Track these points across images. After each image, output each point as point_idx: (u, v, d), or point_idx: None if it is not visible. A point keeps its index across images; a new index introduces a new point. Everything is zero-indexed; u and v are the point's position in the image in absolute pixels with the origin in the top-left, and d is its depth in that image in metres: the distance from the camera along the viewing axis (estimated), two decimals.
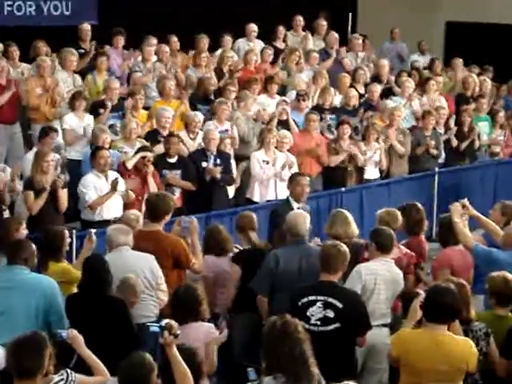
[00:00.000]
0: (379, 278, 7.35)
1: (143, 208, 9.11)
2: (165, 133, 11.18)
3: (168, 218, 8.34)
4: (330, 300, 6.72)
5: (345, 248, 7.02)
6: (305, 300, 6.77)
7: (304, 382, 5.42)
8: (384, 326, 7.32)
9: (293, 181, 9.70)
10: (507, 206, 8.70)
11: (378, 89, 13.60)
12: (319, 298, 6.74)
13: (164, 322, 5.81)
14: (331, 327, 6.70)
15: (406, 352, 6.12)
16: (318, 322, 6.70)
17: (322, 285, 6.87)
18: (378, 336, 7.07)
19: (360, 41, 15.48)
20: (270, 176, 11.27)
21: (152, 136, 11.21)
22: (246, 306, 7.89)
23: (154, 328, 5.80)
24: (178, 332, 5.78)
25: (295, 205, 9.44)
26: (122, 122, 11.27)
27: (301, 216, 7.97)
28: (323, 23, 15.63)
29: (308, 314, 6.71)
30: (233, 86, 12.54)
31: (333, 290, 6.80)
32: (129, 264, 7.57)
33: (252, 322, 7.81)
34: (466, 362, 6.08)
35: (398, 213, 8.51)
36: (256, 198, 11.30)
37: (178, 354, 5.71)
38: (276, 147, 11.39)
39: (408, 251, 8.31)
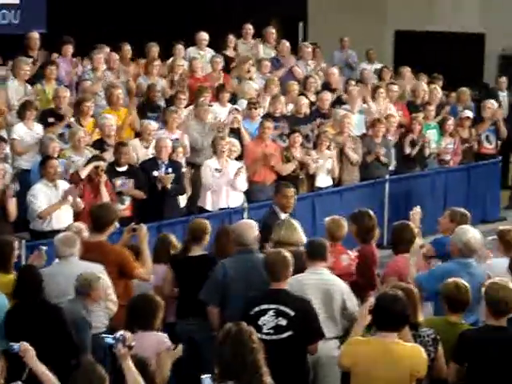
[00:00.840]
0: (307, 289, 7.24)
1: None
2: (110, 141, 11.12)
3: (112, 228, 8.28)
4: (282, 308, 6.71)
5: (288, 254, 7.00)
6: (257, 309, 6.76)
7: None
8: (331, 338, 7.22)
9: (278, 192, 9.70)
10: (456, 213, 8.76)
11: (328, 97, 13.66)
12: (271, 306, 6.73)
13: (118, 333, 5.78)
14: (284, 335, 6.69)
15: (357, 360, 6.12)
16: (271, 331, 6.69)
17: (273, 293, 6.85)
18: (322, 349, 6.99)
19: (310, 49, 15.54)
20: (223, 184, 11.25)
21: (98, 145, 11.15)
22: (190, 312, 7.85)
23: (108, 339, 5.79)
24: (133, 344, 5.75)
25: (282, 215, 9.46)
26: (69, 130, 11.18)
27: (248, 225, 7.92)
28: (273, 31, 15.67)
29: (260, 323, 6.69)
30: (183, 94, 12.53)
31: (284, 298, 6.78)
32: (76, 273, 7.49)
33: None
34: (416, 368, 6.10)
35: (343, 220, 8.51)
36: (208, 207, 11.27)
37: (132, 365, 5.69)
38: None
39: (355, 257, 8.29)
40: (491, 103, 14.47)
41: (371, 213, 8.80)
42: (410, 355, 6.10)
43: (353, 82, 14.67)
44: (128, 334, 5.77)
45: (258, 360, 5.45)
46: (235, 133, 12.25)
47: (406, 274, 7.83)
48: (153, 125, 11.56)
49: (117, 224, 9.27)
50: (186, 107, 12.57)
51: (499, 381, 6.36)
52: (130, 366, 5.67)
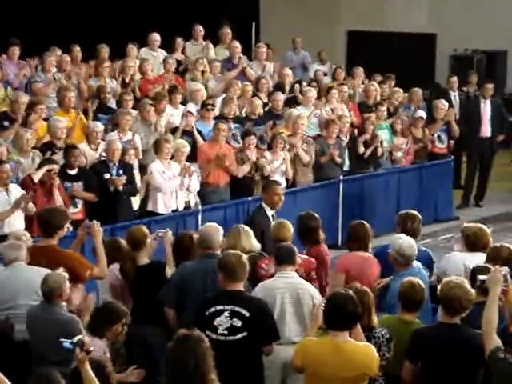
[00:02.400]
0: (277, 293, 7.22)
1: None
2: (59, 144, 11.02)
3: (62, 232, 8.18)
4: (237, 309, 6.68)
5: (244, 255, 7.00)
6: (212, 310, 6.73)
7: None
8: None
9: (268, 189, 9.75)
10: (400, 215, 8.79)
11: (281, 97, 13.66)
12: (226, 307, 6.70)
13: (76, 338, 5.79)
14: (238, 336, 6.66)
15: (309, 360, 6.13)
16: (226, 332, 6.66)
17: (229, 294, 6.82)
18: (291, 353, 6.90)
19: (265, 50, 15.54)
20: (175, 186, 11.19)
21: (48, 147, 11.02)
22: (143, 317, 7.81)
23: (67, 344, 5.78)
24: (91, 348, 5.75)
25: (269, 212, 9.56)
26: (16, 132, 11.02)
27: (214, 229, 7.87)
28: (228, 31, 15.64)
29: (215, 323, 6.66)
30: (128, 95, 12.47)
31: (239, 299, 6.76)
32: (24, 279, 7.42)
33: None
34: (368, 367, 6.12)
35: (288, 223, 8.49)
36: (161, 210, 11.20)
37: (90, 370, 5.69)
38: (173, 157, 11.32)
39: (308, 258, 8.31)
40: (443, 103, 14.58)
41: (314, 214, 8.79)
42: (362, 354, 6.11)
43: (305, 84, 14.70)
44: (86, 339, 5.79)
45: (203, 366, 5.41)
46: (188, 135, 12.18)
47: (354, 271, 7.85)
48: (99, 127, 11.48)
49: (70, 227, 9.22)
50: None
51: (453, 378, 6.39)
52: (87, 371, 5.67)
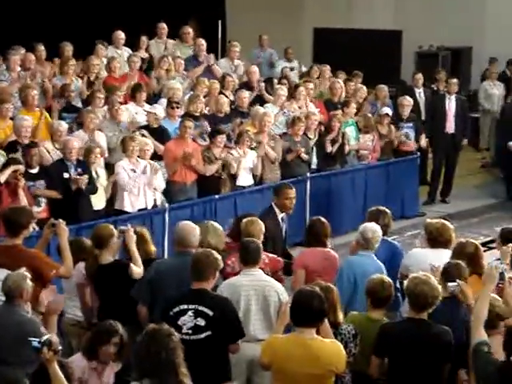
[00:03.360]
0: (242, 290, 7.23)
1: None
2: (24, 143, 10.94)
3: (27, 232, 8.10)
4: (201, 308, 6.67)
5: (215, 255, 6.97)
6: (176, 309, 6.71)
7: None
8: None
9: (280, 193, 9.70)
10: (371, 211, 8.85)
11: (246, 95, 13.65)
12: (190, 306, 6.69)
13: (45, 337, 5.78)
14: (203, 335, 6.65)
15: (276, 358, 6.14)
16: (190, 331, 6.64)
17: (193, 293, 6.81)
18: (257, 350, 6.89)
19: (238, 48, 15.51)
20: (141, 184, 11.14)
21: (12, 146, 10.94)
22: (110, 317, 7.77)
23: (35, 343, 5.76)
24: (59, 348, 5.73)
25: (279, 215, 9.58)
26: None
27: (191, 227, 7.85)
28: (189, 31, 15.61)
29: (179, 323, 6.64)
30: (100, 93, 12.43)
31: (203, 298, 6.74)
32: None
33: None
34: (334, 364, 6.13)
35: (258, 219, 8.51)
36: (128, 208, 11.15)
37: (58, 369, 5.67)
38: (138, 156, 11.28)
39: (275, 258, 8.33)
40: (408, 100, 14.62)
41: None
42: (328, 351, 6.13)
43: (276, 81, 14.71)
44: (54, 338, 5.76)
45: (173, 359, 5.44)
46: (156, 133, 12.15)
47: (313, 267, 7.93)
48: (63, 126, 11.40)
49: (35, 227, 9.15)
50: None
51: (419, 374, 6.42)
52: (56, 371, 5.66)
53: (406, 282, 6.70)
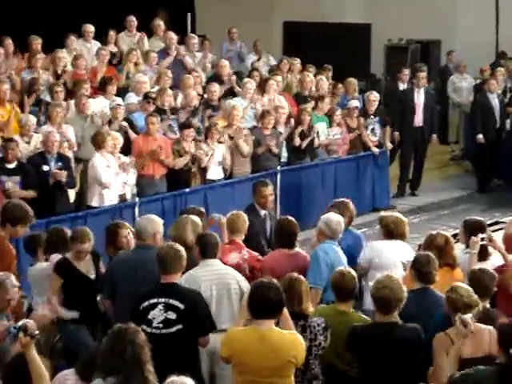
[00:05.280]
0: (203, 281, 7.23)
1: None
2: None
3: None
4: (171, 301, 6.65)
5: (181, 248, 6.95)
6: (146, 304, 6.69)
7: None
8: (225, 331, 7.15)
9: (256, 193, 9.73)
10: (335, 205, 8.86)
11: (216, 88, 13.61)
12: (160, 300, 6.67)
13: (20, 322, 5.72)
14: (174, 329, 6.63)
15: (235, 351, 6.12)
16: (160, 325, 6.62)
17: (163, 287, 6.79)
18: (219, 341, 6.86)
19: (196, 40, 15.46)
20: (114, 180, 11.09)
21: None
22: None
23: (11, 329, 5.73)
24: (36, 332, 5.68)
25: (261, 212, 9.58)
26: None
27: (149, 220, 7.82)
28: (160, 23, 15.54)
29: (149, 317, 6.63)
30: (58, 86, 12.34)
31: (173, 292, 6.72)
32: None
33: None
34: (293, 355, 6.11)
35: (244, 215, 8.52)
36: (99, 203, 11.09)
37: (35, 355, 5.62)
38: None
39: (255, 255, 8.33)
40: (374, 95, 14.63)
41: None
42: (288, 343, 6.11)
43: (245, 75, 14.69)
44: (30, 323, 5.70)
45: (140, 356, 5.40)
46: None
47: (278, 269, 7.74)
48: (32, 120, 11.33)
49: None
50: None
51: (391, 373, 6.43)
52: (32, 355, 5.61)
53: (371, 285, 6.72)
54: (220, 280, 7.32)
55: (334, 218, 8.13)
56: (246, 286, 7.37)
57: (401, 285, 6.60)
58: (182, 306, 6.62)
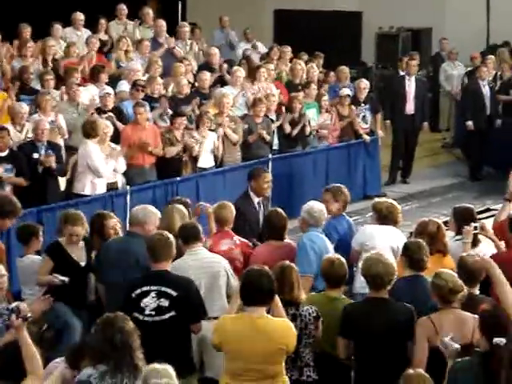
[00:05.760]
0: (190, 269, 7.23)
1: None
2: None
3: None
4: (164, 289, 6.66)
5: (170, 236, 6.97)
6: (138, 291, 6.69)
7: (124, 370, 5.41)
8: (215, 318, 7.11)
9: (258, 177, 9.61)
10: (336, 191, 8.87)
11: (207, 77, 13.58)
12: (152, 287, 6.67)
13: (13, 304, 5.76)
14: (166, 316, 6.63)
15: (227, 338, 6.14)
16: (153, 312, 6.63)
17: (155, 274, 6.81)
18: (209, 329, 6.87)
19: (187, 28, 15.43)
20: (109, 169, 11.08)
21: None
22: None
23: (3, 311, 5.76)
24: (29, 315, 5.70)
25: (255, 199, 9.52)
26: None
27: (145, 209, 7.86)
28: (150, 12, 15.50)
29: (142, 305, 6.63)
30: (48, 74, 12.30)
31: (166, 279, 6.74)
32: None
33: None
34: (284, 342, 6.13)
35: (229, 204, 8.53)
36: (92, 191, 11.06)
37: (27, 337, 5.63)
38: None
39: (246, 242, 8.35)
40: (364, 83, 14.64)
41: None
42: (278, 330, 6.14)
43: (235, 63, 14.68)
44: (23, 305, 5.72)
45: (130, 343, 5.45)
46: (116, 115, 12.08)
47: (270, 262, 7.71)
48: (24, 108, 11.29)
49: None
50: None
51: (384, 352, 6.46)
52: (25, 338, 5.62)
53: (360, 264, 6.74)
54: (208, 268, 7.35)
55: (316, 206, 8.18)
56: (233, 275, 7.45)
57: (390, 260, 6.67)
58: (174, 293, 6.63)
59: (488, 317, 5.80)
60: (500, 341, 5.65)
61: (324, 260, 7.09)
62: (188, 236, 7.47)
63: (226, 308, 6.87)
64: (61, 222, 8.21)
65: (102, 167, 11.01)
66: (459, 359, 5.80)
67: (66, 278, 7.73)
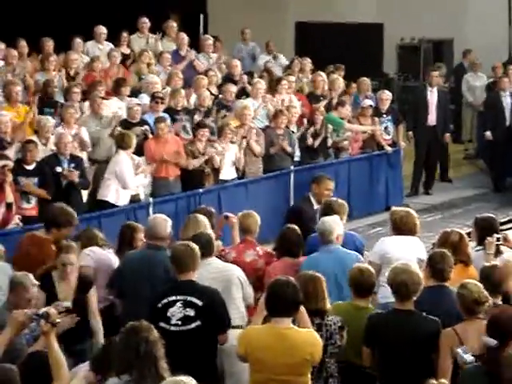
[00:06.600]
0: (205, 281, 7.15)
1: None
2: (7, 138, 10.88)
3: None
4: (190, 299, 6.67)
5: (196, 246, 6.98)
6: (165, 301, 6.71)
7: (148, 381, 5.39)
8: (234, 327, 7.12)
9: (321, 184, 9.90)
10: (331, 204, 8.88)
11: (233, 89, 13.61)
12: (179, 297, 6.69)
13: (42, 310, 5.79)
14: (192, 326, 6.64)
15: (252, 348, 6.12)
16: (179, 322, 6.64)
17: (181, 284, 6.82)
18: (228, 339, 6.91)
19: (211, 41, 15.50)
20: (136, 182, 11.20)
21: None
22: None
23: (34, 316, 5.82)
24: (58, 320, 5.74)
25: (315, 204, 9.71)
26: None
27: (160, 220, 7.89)
28: (173, 25, 15.59)
29: (168, 314, 6.65)
30: (76, 87, 12.39)
31: (192, 289, 6.75)
32: None
33: None
34: (310, 353, 6.10)
35: (254, 214, 8.53)
36: (115, 200, 11.11)
37: (55, 342, 5.66)
38: None
39: (269, 252, 8.35)
40: (386, 94, 14.62)
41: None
42: (304, 341, 6.11)
43: (256, 75, 14.71)
44: (52, 311, 5.74)
45: (154, 353, 5.43)
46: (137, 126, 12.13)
47: None
48: (51, 121, 11.37)
49: (20, 223, 9.14)
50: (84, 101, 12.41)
51: (407, 364, 6.44)
52: (52, 344, 5.65)
53: (386, 273, 6.72)
54: (222, 277, 7.37)
55: (322, 220, 8.07)
56: (248, 284, 7.48)
57: (417, 270, 6.63)
58: (200, 303, 6.65)
59: (491, 320, 5.84)
60: (489, 341, 5.70)
61: (353, 268, 7.04)
62: (202, 252, 7.34)
63: (245, 317, 6.86)
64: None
65: (130, 179, 11.09)
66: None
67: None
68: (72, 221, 8.33)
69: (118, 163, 11.09)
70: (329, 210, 8.65)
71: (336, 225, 7.99)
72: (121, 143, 11.21)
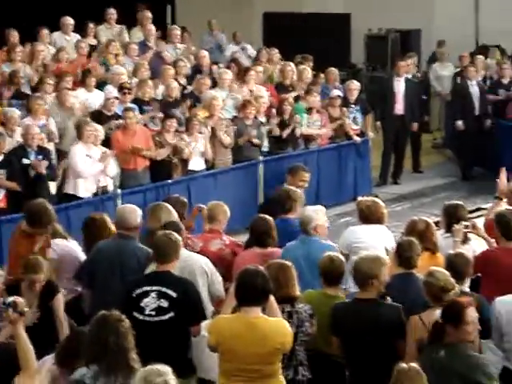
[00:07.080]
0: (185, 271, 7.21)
1: None
2: None
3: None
4: (164, 290, 6.64)
5: (176, 236, 6.94)
6: (138, 291, 6.68)
7: (118, 372, 5.40)
8: None
9: (296, 174, 9.97)
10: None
11: (208, 82, 13.55)
12: (153, 288, 6.66)
13: (9, 298, 5.74)
14: (166, 317, 6.61)
15: (222, 338, 6.10)
16: (153, 313, 6.61)
17: (157, 275, 6.80)
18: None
19: (178, 32, 15.45)
20: (95, 171, 11.08)
21: None
22: None
23: (1, 306, 5.79)
24: (26, 309, 5.70)
25: None
26: None
27: (129, 209, 7.86)
28: (149, 15, 15.47)
29: (142, 304, 6.62)
30: (49, 79, 12.31)
31: (167, 280, 6.71)
32: None
33: None
34: (280, 342, 6.09)
35: (222, 204, 8.52)
36: (82, 194, 11.08)
37: (23, 332, 5.62)
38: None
39: (235, 241, 8.35)
40: (355, 84, 14.65)
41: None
42: (275, 330, 6.10)
43: (222, 65, 14.68)
44: (19, 300, 5.69)
45: (124, 344, 5.42)
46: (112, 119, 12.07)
47: None
48: (17, 113, 11.29)
49: None
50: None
51: (373, 353, 6.48)
52: (21, 333, 5.61)
53: (350, 269, 6.76)
54: (189, 267, 7.32)
55: (306, 212, 8.11)
56: (214, 273, 7.44)
57: (379, 259, 6.65)
58: (174, 295, 6.62)
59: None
60: None
61: (324, 257, 7.04)
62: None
63: (210, 309, 6.86)
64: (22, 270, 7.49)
65: (81, 167, 11.02)
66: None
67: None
68: (53, 220, 8.25)
69: (71, 155, 11.10)
70: (282, 198, 8.65)
71: (315, 215, 7.98)
72: (77, 133, 11.17)
